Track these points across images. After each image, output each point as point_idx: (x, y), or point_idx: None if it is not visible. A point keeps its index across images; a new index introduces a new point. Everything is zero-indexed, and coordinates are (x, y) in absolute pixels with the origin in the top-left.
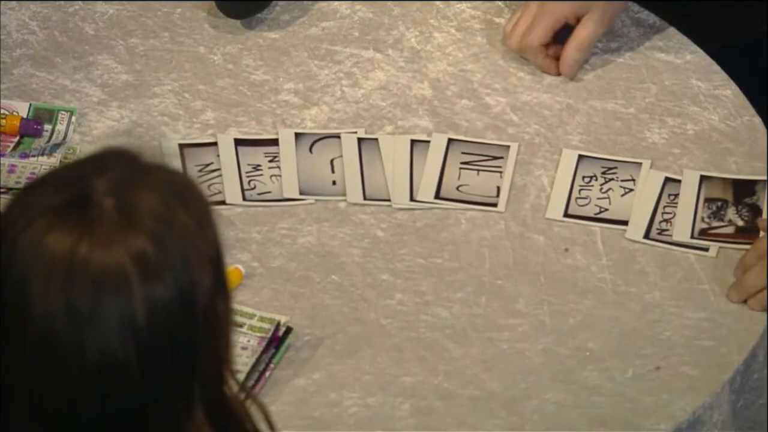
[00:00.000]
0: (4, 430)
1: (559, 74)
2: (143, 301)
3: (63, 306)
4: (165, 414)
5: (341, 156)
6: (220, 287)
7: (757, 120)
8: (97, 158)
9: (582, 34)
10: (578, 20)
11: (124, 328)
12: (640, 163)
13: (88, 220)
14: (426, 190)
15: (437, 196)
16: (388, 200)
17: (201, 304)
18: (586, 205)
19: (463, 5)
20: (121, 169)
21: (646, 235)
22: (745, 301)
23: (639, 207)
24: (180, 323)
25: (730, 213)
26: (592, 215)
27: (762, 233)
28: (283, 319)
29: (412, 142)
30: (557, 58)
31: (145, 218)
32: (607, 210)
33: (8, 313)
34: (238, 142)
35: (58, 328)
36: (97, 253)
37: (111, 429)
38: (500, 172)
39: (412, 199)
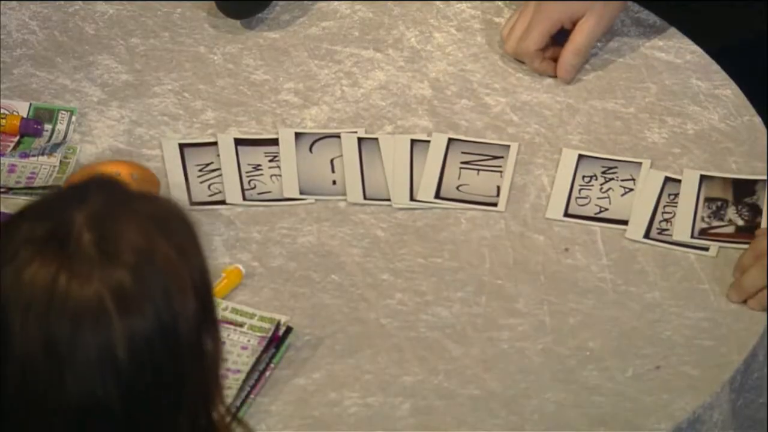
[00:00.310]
0: None
1: (556, 77)
2: (123, 335)
3: (42, 341)
4: None
5: (341, 156)
6: (207, 315)
7: (757, 120)
8: (78, 188)
9: (579, 38)
10: (574, 24)
11: (104, 363)
12: (640, 163)
13: (67, 255)
14: (426, 190)
15: (437, 195)
16: (388, 200)
17: (185, 334)
18: (586, 204)
19: (463, 5)
20: (101, 200)
21: (646, 235)
22: (745, 301)
23: (639, 207)
24: (163, 355)
25: (730, 213)
26: (592, 215)
27: (758, 233)
28: (283, 319)
29: (412, 141)
30: (555, 60)
31: (124, 251)
32: (607, 210)
33: None
34: (238, 142)
35: (37, 363)
36: (76, 287)
37: None
38: (500, 171)
39: (412, 198)
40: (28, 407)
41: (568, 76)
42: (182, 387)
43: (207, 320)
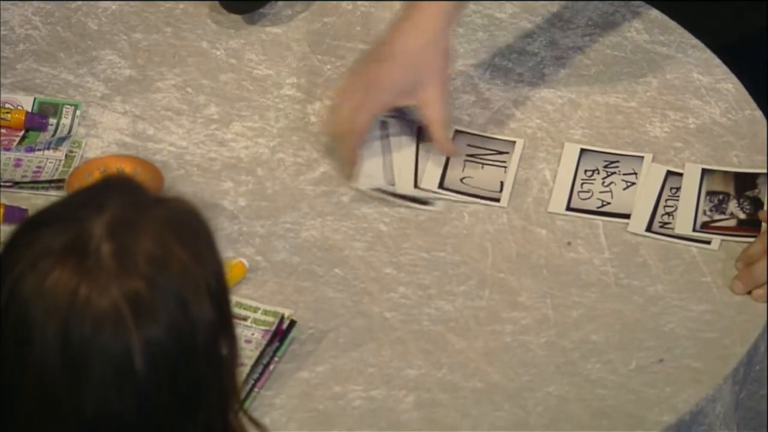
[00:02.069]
0: None
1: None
2: (140, 344)
3: (60, 350)
4: None
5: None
6: (223, 320)
7: (758, 113)
8: (96, 193)
9: (436, 113)
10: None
11: (121, 373)
12: (642, 157)
13: (87, 266)
14: (430, 180)
15: (441, 185)
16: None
17: (201, 340)
18: (589, 198)
19: None
20: (119, 207)
21: (648, 229)
22: (749, 293)
23: (641, 200)
24: (179, 363)
25: (732, 206)
26: (595, 209)
27: (765, 226)
28: (287, 313)
29: (419, 129)
30: None
31: (141, 262)
32: (609, 203)
33: (6, 356)
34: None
35: (54, 372)
36: (95, 297)
37: None
38: (504, 167)
39: (416, 186)
40: (44, 417)
41: (453, 149)
42: (199, 394)
43: (223, 325)
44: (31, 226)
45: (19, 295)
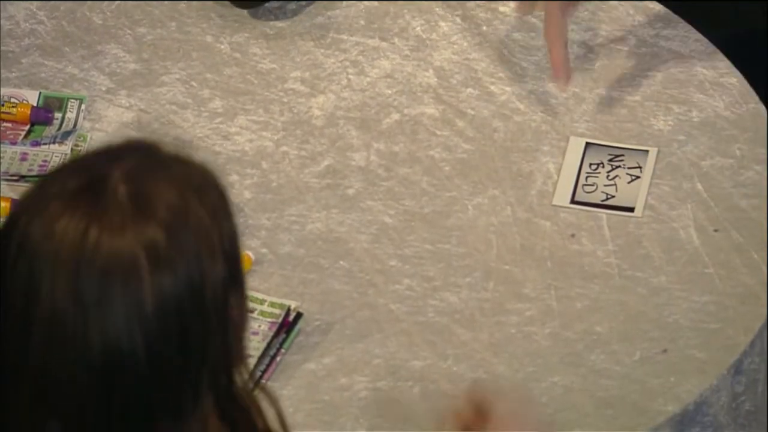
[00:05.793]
0: (9, 422)
1: None
2: (152, 291)
3: (70, 292)
4: (171, 406)
5: None
6: (235, 280)
7: (762, 107)
8: (114, 148)
9: None
10: None
11: (131, 317)
12: (647, 151)
13: (101, 206)
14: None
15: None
16: None
17: (212, 296)
18: (593, 191)
19: None
20: (138, 159)
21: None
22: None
23: (645, 193)
24: (190, 314)
25: None
26: (599, 202)
27: None
28: (293, 305)
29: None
30: None
31: (159, 208)
32: (613, 197)
33: (15, 300)
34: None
35: (64, 315)
36: (107, 239)
37: (116, 420)
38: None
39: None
40: (53, 360)
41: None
42: (206, 348)
43: (235, 286)
44: (45, 177)
45: (29, 241)
